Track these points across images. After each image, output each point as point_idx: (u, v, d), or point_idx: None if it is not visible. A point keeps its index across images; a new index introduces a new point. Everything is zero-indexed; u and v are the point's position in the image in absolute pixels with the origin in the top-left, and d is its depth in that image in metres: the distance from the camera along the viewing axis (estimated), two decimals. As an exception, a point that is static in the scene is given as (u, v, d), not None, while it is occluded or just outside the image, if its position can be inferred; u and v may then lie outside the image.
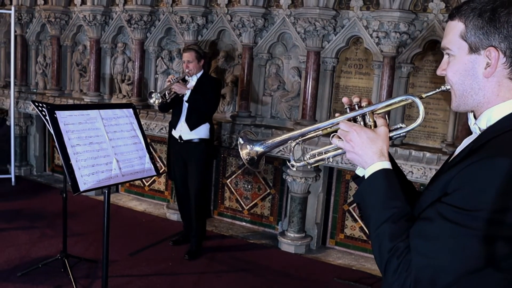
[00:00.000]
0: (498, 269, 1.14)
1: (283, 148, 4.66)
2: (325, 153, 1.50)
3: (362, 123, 1.40)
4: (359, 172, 1.50)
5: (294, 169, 1.61)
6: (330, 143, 1.47)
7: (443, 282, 1.14)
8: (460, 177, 1.15)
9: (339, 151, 1.45)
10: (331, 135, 1.44)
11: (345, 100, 1.43)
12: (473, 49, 1.25)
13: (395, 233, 1.22)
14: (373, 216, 1.28)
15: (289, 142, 1.53)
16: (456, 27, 1.28)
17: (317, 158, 1.52)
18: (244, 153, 1.56)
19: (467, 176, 1.13)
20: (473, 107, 1.31)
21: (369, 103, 1.42)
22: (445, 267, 1.13)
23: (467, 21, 1.25)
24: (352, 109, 1.42)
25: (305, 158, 1.54)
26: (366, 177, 1.35)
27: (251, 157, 1.56)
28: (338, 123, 1.41)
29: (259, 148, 1.55)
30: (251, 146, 1.56)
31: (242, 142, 1.57)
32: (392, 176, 1.32)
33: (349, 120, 1.41)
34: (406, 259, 1.18)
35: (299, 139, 1.51)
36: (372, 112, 1.40)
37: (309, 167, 1.57)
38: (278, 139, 1.53)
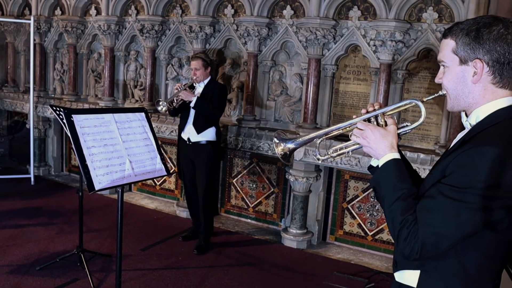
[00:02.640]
0: (494, 231, 1.36)
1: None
2: (345, 147, 1.71)
3: (375, 122, 1.60)
4: (373, 163, 1.68)
5: (320, 162, 1.81)
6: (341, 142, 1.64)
7: (444, 245, 1.36)
8: (455, 162, 1.35)
9: (357, 146, 1.65)
10: (350, 133, 1.63)
11: (363, 111, 1.64)
12: (463, 61, 1.45)
13: (405, 209, 1.42)
14: (387, 196, 1.48)
15: (315, 139, 1.72)
16: (448, 44, 1.48)
17: (339, 152, 1.73)
18: (279, 149, 1.74)
19: (461, 162, 1.33)
20: (465, 107, 1.51)
21: (381, 106, 1.62)
22: (445, 234, 1.35)
23: (457, 39, 1.45)
24: (367, 112, 1.62)
25: (329, 153, 1.74)
26: (380, 165, 1.55)
27: (284, 152, 1.74)
28: (355, 124, 1.62)
29: (291, 145, 1.74)
30: (284, 143, 1.74)
31: (277, 141, 1.75)
32: (401, 164, 1.53)
33: (364, 120, 1.61)
34: (414, 228, 1.37)
35: (323, 137, 1.72)
36: (383, 113, 1.60)
37: (332, 159, 1.76)
38: (307, 137, 1.73)
